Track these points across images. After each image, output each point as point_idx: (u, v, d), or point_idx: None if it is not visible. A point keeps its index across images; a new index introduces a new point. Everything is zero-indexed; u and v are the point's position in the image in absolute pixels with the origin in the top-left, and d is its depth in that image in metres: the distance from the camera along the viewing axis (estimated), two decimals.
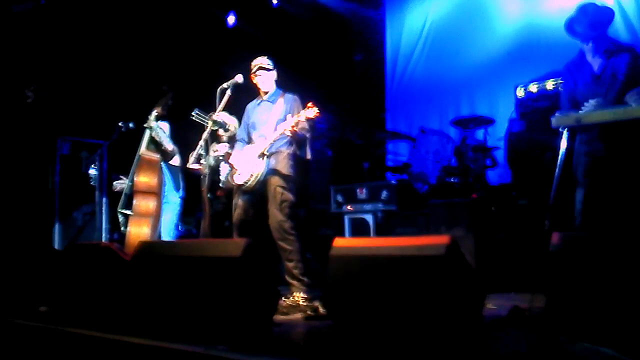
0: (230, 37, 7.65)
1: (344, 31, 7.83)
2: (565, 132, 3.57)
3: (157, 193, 4.97)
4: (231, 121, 5.14)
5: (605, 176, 3.65)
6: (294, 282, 4.17)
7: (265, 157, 4.23)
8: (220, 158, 4.99)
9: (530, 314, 3.06)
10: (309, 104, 4.10)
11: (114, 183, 5.29)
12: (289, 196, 4.23)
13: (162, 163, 5.06)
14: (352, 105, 7.56)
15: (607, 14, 3.78)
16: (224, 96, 4.37)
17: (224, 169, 5.02)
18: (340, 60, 7.80)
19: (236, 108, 5.08)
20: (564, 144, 3.57)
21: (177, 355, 2.71)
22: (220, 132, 5.06)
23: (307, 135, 4.31)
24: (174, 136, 5.26)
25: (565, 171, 3.56)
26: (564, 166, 3.54)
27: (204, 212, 4.55)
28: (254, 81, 4.47)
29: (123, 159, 6.04)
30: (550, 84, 5.36)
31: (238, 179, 4.28)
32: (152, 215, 4.91)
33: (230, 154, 4.60)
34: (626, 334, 2.37)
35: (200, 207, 5.11)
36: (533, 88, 5.44)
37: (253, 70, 4.44)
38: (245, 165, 4.27)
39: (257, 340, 2.81)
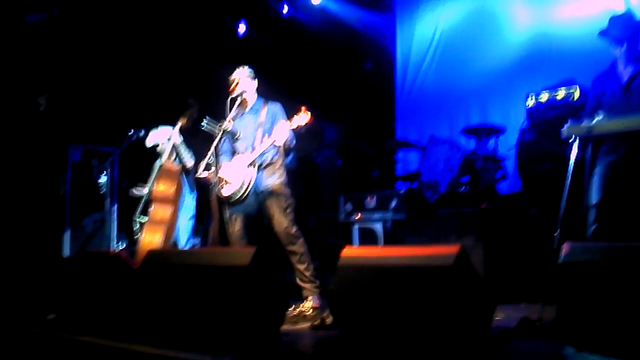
0: (240, 46, 7.68)
1: (354, 40, 7.84)
2: (576, 141, 3.54)
3: (173, 201, 5.03)
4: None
5: (624, 187, 3.61)
6: (307, 285, 4.17)
7: (255, 167, 4.22)
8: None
9: (540, 325, 3.03)
10: (302, 108, 4.11)
11: (132, 189, 5.33)
12: (291, 200, 4.27)
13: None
14: (362, 114, 7.56)
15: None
16: (234, 105, 4.38)
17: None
18: (351, 69, 7.80)
19: None
20: (574, 154, 3.53)
21: None
22: None
23: (294, 143, 4.29)
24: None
25: (576, 181, 3.52)
26: (574, 176, 3.50)
27: (212, 221, 4.55)
28: (235, 93, 4.37)
29: (134, 167, 6.08)
30: (561, 93, 5.31)
31: (226, 191, 4.26)
32: (167, 223, 4.95)
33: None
34: (638, 346, 2.33)
35: (209, 215, 5.13)
36: (544, 97, 5.40)
37: (236, 82, 4.37)
38: (234, 177, 4.25)
39: (265, 350, 2.79)
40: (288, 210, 4.22)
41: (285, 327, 3.40)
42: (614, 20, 3.74)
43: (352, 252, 3.15)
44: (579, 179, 3.61)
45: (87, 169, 7.06)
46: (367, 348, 2.75)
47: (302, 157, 6.93)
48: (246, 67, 4.46)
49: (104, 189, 5.79)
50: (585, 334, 2.46)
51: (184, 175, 5.22)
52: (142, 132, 5.55)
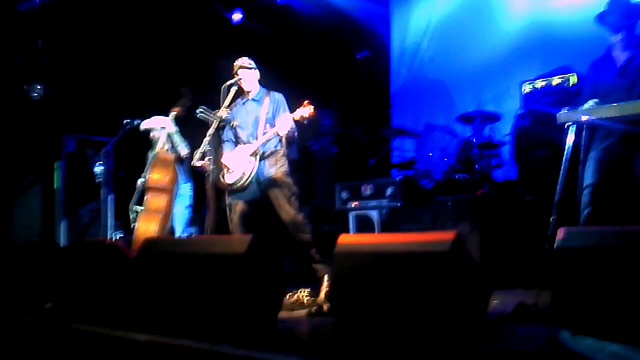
0: (235, 34, 7.64)
1: (350, 28, 7.80)
2: (572, 127, 3.55)
3: (168, 190, 5.04)
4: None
5: (618, 171, 3.62)
6: (320, 267, 4.24)
7: (257, 157, 4.28)
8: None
9: (536, 310, 3.05)
10: (305, 102, 4.16)
11: (139, 182, 5.30)
12: (295, 188, 4.33)
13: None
14: (357, 101, 7.54)
15: (639, 8, 3.80)
16: (228, 93, 4.37)
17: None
18: (346, 57, 7.78)
19: None
20: (570, 140, 3.55)
21: (182, 352, 2.71)
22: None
23: (296, 134, 4.34)
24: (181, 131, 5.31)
25: (571, 167, 3.54)
26: (570, 162, 3.52)
27: (208, 209, 4.55)
28: (234, 81, 4.40)
29: (129, 156, 6.07)
30: (556, 80, 5.31)
31: (229, 178, 4.33)
32: (162, 211, 4.96)
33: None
34: (633, 329, 2.35)
35: (205, 204, 5.12)
36: (539, 84, 5.40)
37: (234, 71, 4.43)
38: (237, 165, 4.32)
39: (262, 337, 2.80)
40: (293, 199, 4.29)
41: (283, 314, 3.42)
42: (612, 5, 3.74)
43: (348, 239, 3.16)
44: (574, 165, 3.63)
45: (82, 158, 7.04)
46: (364, 334, 2.76)
47: (298, 145, 6.92)
48: (246, 57, 4.50)
49: (100, 179, 5.78)
50: (581, 318, 2.48)
51: (179, 164, 5.22)
52: (138, 121, 5.53)
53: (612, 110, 3.46)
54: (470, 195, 5.29)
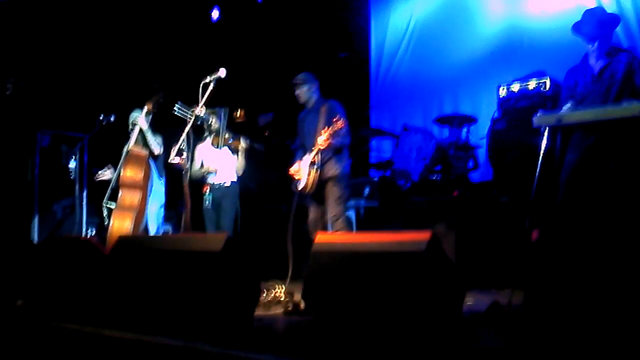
0: (214, 31, 7.60)
1: (329, 28, 7.81)
2: (546, 131, 3.61)
3: (142, 187, 4.98)
4: (215, 116, 5.15)
5: (596, 175, 3.69)
6: None
7: (315, 166, 4.63)
8: (207, 170, 5.15)
9: (509, 309, 3.09)
10: (334, 119, 4.50)
11: (99, 172, 5.25)
12: (344, 192, 4.71)
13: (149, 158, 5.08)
14: (336, 101, 7.55)
15: (613, 18, 3.93)
16: (206, 90, 4.34)
17: (198, 161, 5.20)
18: (325, 57, 7.79)
19: (220, 102, 5.07)
20: (545, 143, 3.61)
21: (157, 349, 2.69)
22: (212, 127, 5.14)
23: (343, 142, 4.69)
24: (155, 128, 5.25)
25: (545, 169, 3.59)
26: (544, 164, 3.58)
27: (185, 207, 4.52)
28: (301, 101, 4.92)
29: (104, 153, 5.99)
30: (532, 84, 5.39)
31: (299, 185, 4.74)
32: (136, 209, 4.90)
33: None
34: (604, 328, 2.40)
35: (182, 202, 5.09)
36: (515, 87, 5.48)
37: (296, 91, 4.89)
38: (302, 173, 4.73)
39: (237, 335, 2.80)
40: (340, 200, 4.65)
41: (259, 312, 3.42)
42: (587, 15, 3.82)
43: (325, 238, 3.17)
44: (548, 168, 3.69)
45: (56, 154, 6.93)
46: (340, 333, 2.77)
47: (277, 144, 6.92)
48: (301, 74, 4.90)
49: (74, 175, 5.70)
50: (553, 318, 2.52)
51: (153, 161, 5.16)
52: (112, 117, 5.47)
53: (586, 114, 3.53)
54: (447, 196, 5.34)
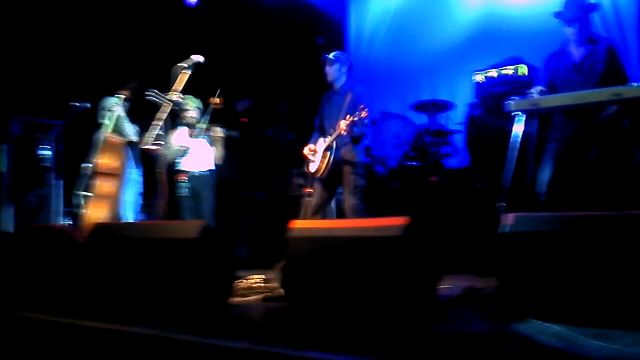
0: (191, 17, 7.48)
1: (307, 14, 7.75)
2: (520, 116, 3.64)
3: (118, 175, 4.93)
4: (194, 102, 5.11)
5: (576, 164, 3.72)
6: None
7: (332, 150, 4.49)
8: (180, 150, 5.03)
9: (484, 293, 3.13)
10: (361, 106, 4.31)
11: (83, 165, 5.16)
12: (360, 181, 4.51)
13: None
14: (314, 88, 7.52)
15: (592, 3, 3.92)
16: (179, 75, 4.29)
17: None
18: (303, 44, 7.74)
19: (199, 90, 5.02)
20: (518, 128, 3.63)
21: (132, 338, 2.67)
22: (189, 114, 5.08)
23: (363, 132, 4.51)
24: (131, 116, 5.19)
25: (521, 155, 3.62)
26: (520, 150, 3.61)
27: (160, 194, 4.49)
28: (328, 80, 4.73)
29: (79, 140, 5.89)
30: (509, 70, 5.44)
31: (312, 167, 4.63)
32: (112, 197, 4.85)
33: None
34: (576, 311, 2.44)
35: (158, 189, 5.04)
36: (492, 73, 5.51)
37: (326, 69, 4.70)
38: (317, 156, 4.60)
39: (214, 322, 2.79)
40: (357, 189, 4.47)
41: (236, 299, 3.41)
42: (568, 2, 3.83)
43: (302, 224, 3.16)
44: (524, 153, 3.72)
45: (30, 142, 6.80)
46: (317, 318, 2.78)
47: (255, 131, 6.88)
48: (334, 53, 4.71)
49: (48, 163, 5.60)
50: (526, 301, 2.55)
51: (129, 149, 5.10)
52: (87, 105, 5.38)
53: (561, 99, 3.56)
54: (424, 182, 5.37)
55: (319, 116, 4.82)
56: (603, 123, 3.65)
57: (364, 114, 4.26)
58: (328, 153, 4.50)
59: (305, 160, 4.72)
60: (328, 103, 4.75)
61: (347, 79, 4.73)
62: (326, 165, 4.50)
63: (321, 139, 4.66)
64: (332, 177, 4.55)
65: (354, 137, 4.46)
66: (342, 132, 4.33)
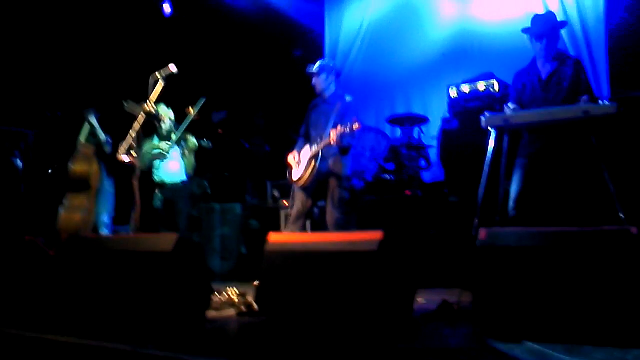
0: (166, 26, 7.45)
1: (284, 27, 7.79)
2: (493, 131, 3.70)
3: (91, 186, 4.86)
4: (166, 113, 5.07)
5: (542, 178, 3.79)
6: None
7: (317, 159, 4.41)
8: (155, 154, 4.95)
9: (459, 308, 3.16)
10: (354, 119, 4.24)
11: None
12: (345, 195, 4.46)
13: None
14: (290, 101, 7.54)
15: (561, 21, 4.02)
16: (155, 85, 4.27)
17: (156, 165, 5.03)
18: (279, 56, 7.76)
19: (173, 100, 4.99)
20: (492, 144, 3.70)
21: (105, 354, 2.62)
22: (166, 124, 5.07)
23: (351, 143, 4.42)
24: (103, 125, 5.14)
25: (493, 169, 3.68)
26: (492, 165, 3.67)
27: (135, 205, 4.44)
28: (317, 90, 4.66)
29: (50, 149, 5.81)
30: (481, 86, 5.53)
31: (295, 175, 4.54)
32: (85, 208, 4.79)
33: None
34: (549, 327, 2.48)
35: (132, 201, 4.99)
36: (465, 89, 5.60)
37: (313, 80, 4.65)
38: (301, 164, 4.52)
39: (189, 338, 2.76)
40: (341, 203, 4.42)
41: (212, 313, 3.38)
42: (536, 18, 3.92)
43: (278, 238, 3.16)
44: (496, 168, 3.78)
45: (1, 151, 6.67)
46: (293, 333, 2.77)
47: (230, 142, 6.86)
48: (320, 61, 4.67)
49: (19, 173, 5.51)
50: (500, 317, 2.59)
51: (102, 160, 5.04)
52: (59, 113, 5.32)
53: (532, 115, 3.64)
54: (399, 195, 5.41)
55: (305, 124, 4.76)
56: (570, 140, 3.73)
57: (356, 126, 4.18)
58: (314, 161, 4.42)
59: (287, 168, 4.63)
60: (315, 111, 4.68)
61: (337, 87, 4.68)
62: (310, 173, 4.42)
63: (307, 147, 4.58)
64: (315, 187, 4.48)
65: (342, 148, 4.40)
66: (332, 142, 4.26)
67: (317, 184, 4.46)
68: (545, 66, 3.88)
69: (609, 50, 5.72)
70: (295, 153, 4.63)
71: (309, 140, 4.62)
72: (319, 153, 4.41)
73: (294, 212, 4.57)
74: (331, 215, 4.41)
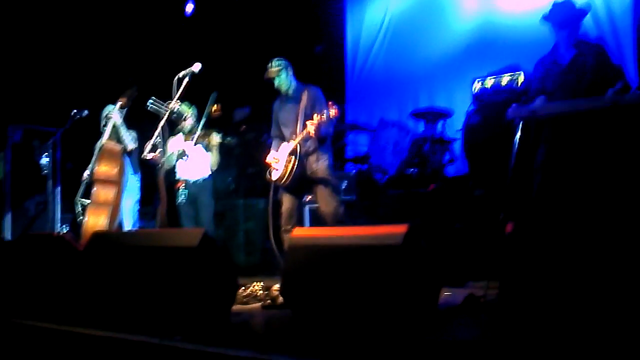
0: (189, 25, 7.52)
1: (305, 22, 7.79)
2: (520, 123, 3.66)
3: (117, 182, 4.93)
4: (189, 111, 5.12)
5: (565, 167, 3.74)
6: None
7: (296, 155, 4.34)
8: (178, 154, 4.99)
9: (485, 301, 3.13)
10: (330, 103, 4.23)
11: (85, 174, 5.16)
12: (335, 182, 4.50)
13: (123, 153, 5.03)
14: None
15: (582, 9, 3.93)
16: (180, 85, 4.30)
17: (180, 162, 5.05)
18: (301, 52, 7.77)
19: (195, 97, 5.03)
20: (518, 136, 3.65)
21: (132, 346, 2.66)
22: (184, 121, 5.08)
23: (328, 132, 4.39)
24: (129, 123, 5.19)
25: (519, 161, 3.64)
26: (518, 157, 3.62)
27: (160, 202, 4.49)
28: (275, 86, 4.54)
29: (76, 148, 5.90)
30: (505, 79, 5.46)
31: (274, 175, 4.46)
32: (111, 204, 4.85)
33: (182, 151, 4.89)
34: (577, 319, 2.44)
35: (157, 197, 5.05)
36: (489, 82, 5.53)
37: (267, 76, 4.53)
38: (280, 163, 4.43)
39: (215, 331, 2.78)
40: (334, 192, 4.41)
41: (237, 307, 3.40)
42: (557, 6, 3.86)
43: (303, 232, 3.17)
44: (522, 161, 3.73)
45: (29, 149, 6.80)
46: (318, 326, 2.78)
47: (253, 139, 6.89)
48: (275, 59, 4.55)
49: (46, 171, 5.60)
50: (527, 309, 2.56)
51: (127, 156, 5.10)
52: (85, 112, 5.39)
53: (559, 107, 3.58)
54: (423, 189, 5.38)
55: (274, 124, 4.66)
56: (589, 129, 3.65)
57: (333, 111, 4.13)
58: (292, 157, 4.33)
59: (267, 169, 4.54)
60: (282, 110, 4.59)
61: (296, 82, 4.58)
62: (290, 170, 4.32)
63: (283, 144, 4.50)
64: (297, 183, 4.38)
65: (320, 138, 4.33)
66: (311, 134, 4.20)
67: (298, 180, 4.36)
68: (568, 52, 3.83)
69: (637, 37, 5.60)
70: (272, 152, 4.55)
71: (283, 139, 4.54)
72: (297, 148, 4.33)
73: (284, 211, 4.50)
74: (329, 205, 4.34)
